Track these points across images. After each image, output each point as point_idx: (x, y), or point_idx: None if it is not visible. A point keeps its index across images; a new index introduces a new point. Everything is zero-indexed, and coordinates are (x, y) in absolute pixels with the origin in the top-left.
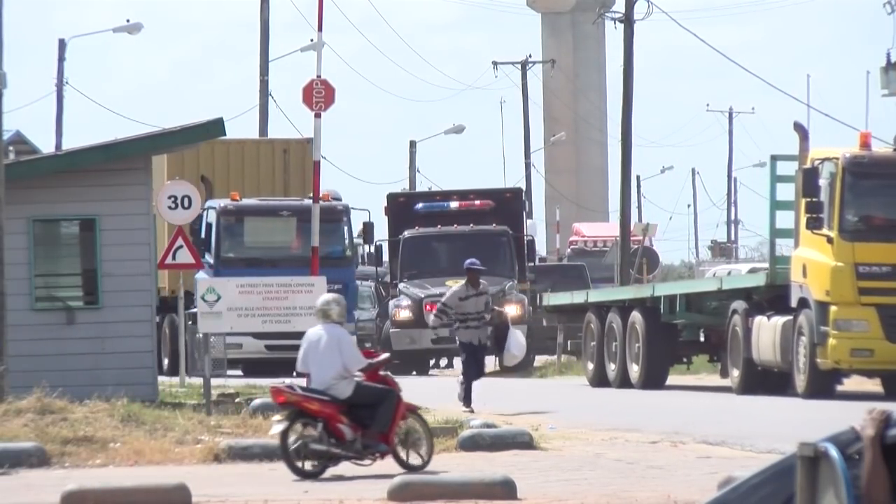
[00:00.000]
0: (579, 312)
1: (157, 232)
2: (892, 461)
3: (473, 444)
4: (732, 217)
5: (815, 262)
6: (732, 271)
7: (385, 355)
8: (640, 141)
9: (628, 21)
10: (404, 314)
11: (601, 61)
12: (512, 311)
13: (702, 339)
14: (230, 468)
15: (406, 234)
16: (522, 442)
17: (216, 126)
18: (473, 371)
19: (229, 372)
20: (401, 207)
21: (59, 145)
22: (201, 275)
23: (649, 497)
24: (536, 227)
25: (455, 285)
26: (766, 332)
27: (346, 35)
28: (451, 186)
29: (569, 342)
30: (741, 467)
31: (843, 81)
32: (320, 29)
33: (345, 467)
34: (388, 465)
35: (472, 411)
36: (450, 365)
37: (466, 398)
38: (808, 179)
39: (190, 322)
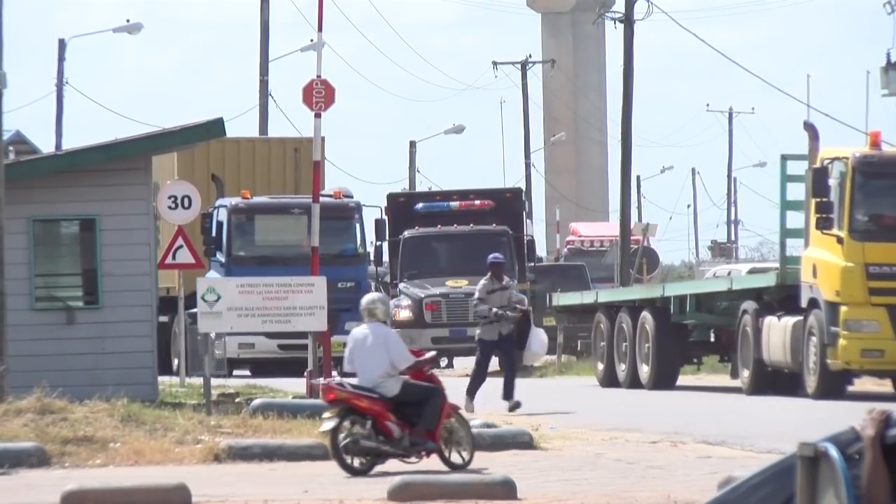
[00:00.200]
0: (589, 312)
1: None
2: (893, 461)
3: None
4: (732, 217)
5: (825, 262)
6: (732, 271)
7: (431, 353)
8: (640, 141)
9: (628, 21)
10: (404, 314)
11: (601, 61)
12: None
13: (712, 339)
14: (230, 468)
15: (406, 234)
16: (522, 442)
17: (216, 126)
18: (485, 369)
19: (237, 372)
20: (401, 207)
21: (59, 145)
22: (212, 274)
23: (649, 497)
24: (532, 227)
25: (482, 280)
26: (777, 332)
27: (346, 35)
28: (451, 186)
29: (578, 342)
30: (741, 467)
31: (843, 81)
32: (320, 29)
33: (387, 465)
34: (431, 462)
35: (516, 405)
36: (450, 365)
37: (470, 393)
38: (818, 179)
39: (190, 322)
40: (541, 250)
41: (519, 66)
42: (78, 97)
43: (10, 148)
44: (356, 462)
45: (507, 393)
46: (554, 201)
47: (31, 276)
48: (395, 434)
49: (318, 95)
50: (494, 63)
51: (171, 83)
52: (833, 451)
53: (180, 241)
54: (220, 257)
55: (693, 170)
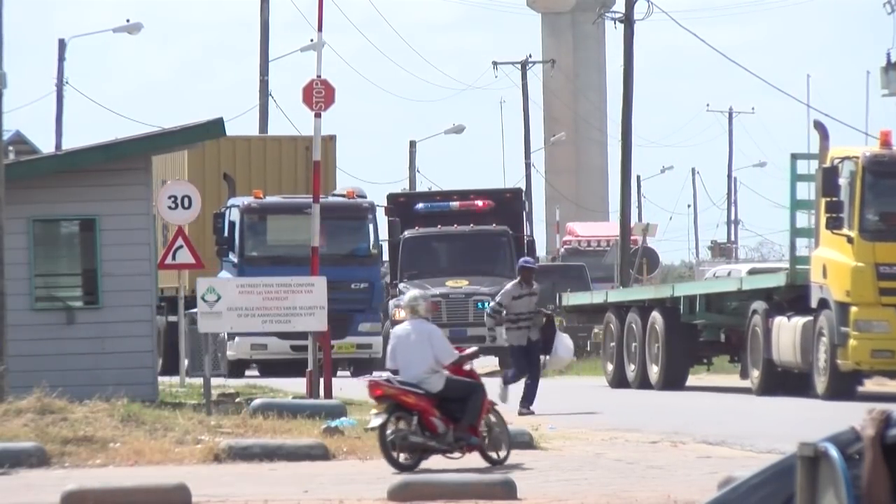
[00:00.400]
0: (597, 313)
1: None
2: (893, 461)
3: None
4: (732, 217)
5: (835, 262)
6: (732, 271)
7: (473, 349)
8: (640, 141)
9: (628, 21)
10: (404, 314)
11: (601, 61)
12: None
13: (722, 339)
14: (230, 468)
15: (406, 234)
16: (522, 442)
17: (216, 126)
18: (525, 367)
19: (248, 373)
20: (401, 207)
21: (59, 145)
22: (224, 274)
23: (649, 497)
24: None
25: (508, 284)
26: (786, 332)
27: (346, 35)
28: (451, 186)
29: (588, 342)
30: (741, 467)
31: (843, 81)
32: (320, 29)
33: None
34: (471, 459)
35: (532, 412)
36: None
37: (530, 399)
38: (829, 179)
39: (190, 322)
40: (541, 250)
41: (519, 66)
42: (78, 97)
43: (10, 148)
44: (402, 458)
45: (528, 397)
46: (554, 201)
47: (31, 276)
48: (440, 430)
49: (318, 95)
50: (494, 63)
51: (171, 83)
52: (833, 451)
53: (180, 241)
54: (233, 258)
55: (693, 170)
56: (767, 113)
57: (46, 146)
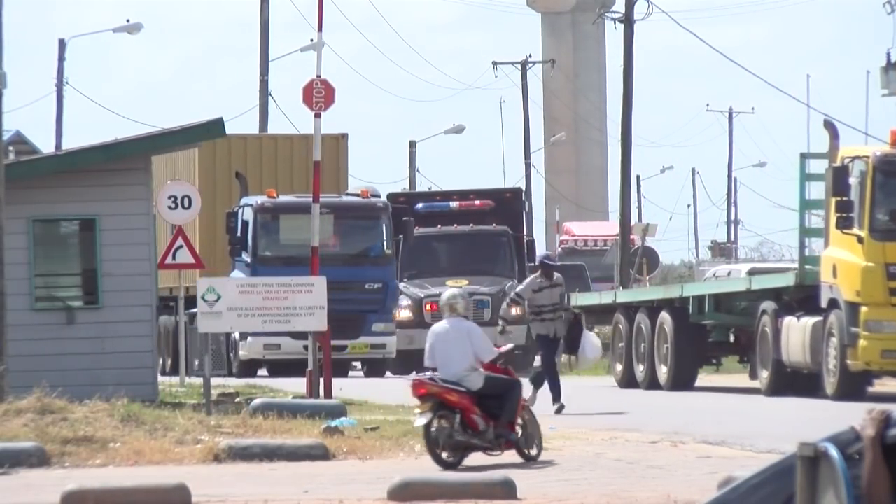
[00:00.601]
0: (606, 313)
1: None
2: (893, 461)
3: None
4: (732, 217)
5: (845, 262)
6: (732, 271)
7: (510, 346)
8: (640, 141)
9: (628, 21)
10: (404, 314)
11: (601, 61)
12: (512, 311)
13: (731, 339)
14: (230, 468)
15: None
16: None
17: (216, 126)
18: (552, 360)
19: (260, 372)
20: (401, 207)
21: (59, 145)
22: (237, 274)
23: (649, 497)
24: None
25: (529, 276)
26: (796, 332)
27: (346, 35)
28: (451, 186)
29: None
30: (741, 467)
31: (843, 81)
32: (320, 29)
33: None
34: (508, 455)
35: (562, 406)
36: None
37: (555, 395)
38: (839, 178)
39: (190, 322)
40: (541, 250)
41: (519, 66)
42: (78, 97)
43: (10, 148)
44: (445, 456)
45: (536, 387)
46: (554, 201)
47: (31, 276)
48: (481, 427)
49: (318, 95)
50: (494, 63)
51: (171, 83)
52: (833, 451)
53: (180, 241)
54: (246, 257)
55: (693, 170)
56: (767, 113)
57: (46, 146)
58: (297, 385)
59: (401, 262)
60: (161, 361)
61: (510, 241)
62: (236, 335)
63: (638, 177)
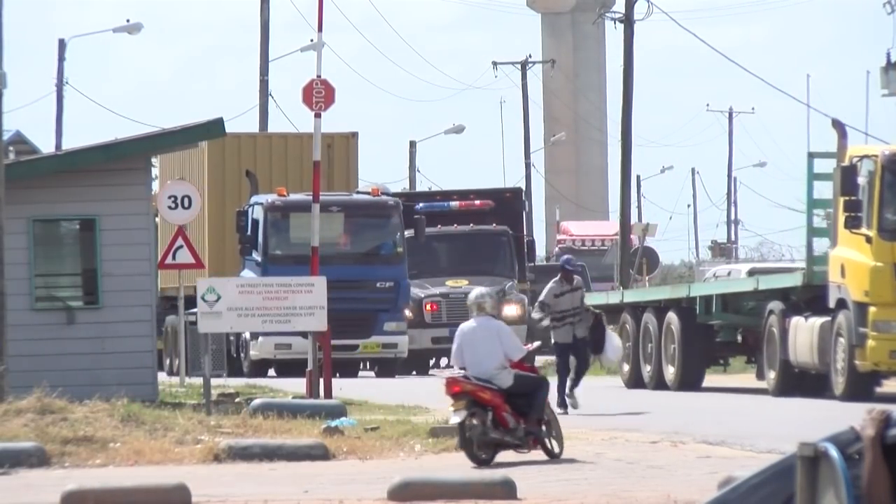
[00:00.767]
0: (613, 313)
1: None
2: (893, 461)
3: None
4: (732, 217)
5: (853, 261)
6: (732, 271)
7: (536, 343)
8: (640, 141)
9: (628, 21)
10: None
11: (601, 61)
12: (512, 311)
13: (739, 340)
14: (230, 468)
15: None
16: None
17: (216, 126)
18: (566, 368)
19: (271, 372)
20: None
21: (59, 145)
22: (247, 273)
23: (649, 497)
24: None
25: (550, 282)
26: (804, 333)
27: (346, 35)
28: (451, 186)
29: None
30: (741, 467)
31: (843, 81)
32: (320, 29)
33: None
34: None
35: (573, 406)
36: (450, 365)
37: (560, 399)
38: (847, 177)
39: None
40: (541, 250)
41: (519, 66)
42: (78, 97)
43: (10, 148)
44: (479, 453)
45: (570, 390)
46: (554, 201)
47: (31, 276)
48: (511, 425)
49: (318, 95)
50: (494, 63)
51: (171, 83)
52: (833, 451)
53: (180, 241)
54: (256, 256)
55: (693, 170)
56: (767, 113)
57: (46, 146)
58: (298, 385)
59: None
60: (168, 361)
61: (510, 241)
62: (247, 335)
63: (638, 177)
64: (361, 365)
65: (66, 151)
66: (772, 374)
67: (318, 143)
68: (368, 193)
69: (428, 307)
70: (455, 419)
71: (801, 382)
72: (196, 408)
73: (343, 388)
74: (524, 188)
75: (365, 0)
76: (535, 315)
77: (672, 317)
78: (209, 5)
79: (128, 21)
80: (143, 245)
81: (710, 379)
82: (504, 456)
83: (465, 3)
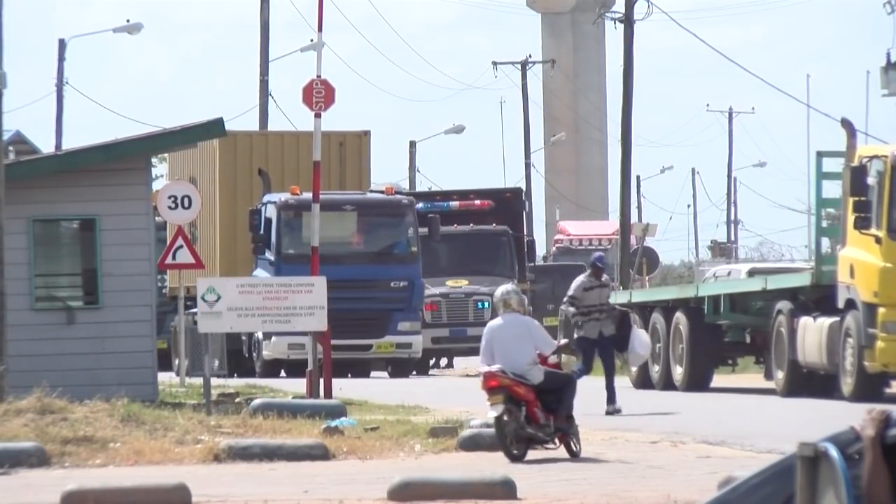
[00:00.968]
0: None
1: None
2: (893, 461)
3: (473, 443)
4: (732, 217)
5: (862, 262)
6: (732, 271)
7: (565, 341)
8: (640, 141)
9: (628, 21)
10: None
11: (601, 61)
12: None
13: (747, 340)
14: (230, 468)
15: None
16: None
17: (216, 126)
18: (592, 362)
19: (283, 373)
20: None
21: (59, 145)
22: (260, 272)
23: (649, 497)
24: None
25: (579, 276)
26: (812, 333)
27: (346, 35)
28: (451, 186)
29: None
30: (741, 467)
31: (843, 81)
32: (320, 29)
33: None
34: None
35: (617, 410)
36: (450, 365)
37: (611, 398)
38: (857, 177)
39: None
40: (541, 250)
41: (519, 66)
42: (78, 97)
43: (10, 148)
44: (513, 449)
45: (610, 397)
46: (554, 201)
47: (31, 276)
48: (542, 420)
49: (318, 95)
50: (494, 63)
51: (171, 83)
52: (833, 451)
53: (180, 241)
54: (269, 255)
55: (693, 170)
56: (767, 113)
57: (46, 146)
58: (298, 385)
59: None
60: (177, 362)
61: (510, 241)
62: (259, 335)
63: (638, 177)
64: (376, 366)
65: (66, 151)
66: (780, 375)
67: (318, 143)
68: (382, 192)
69: (428, 307)
70: (492, 413)
71: (810, 383)
72: (196, 408)
73: (343, 387)
74: (524, 188)
75: (365, 0)
76: (564, 307)
77: (680, 317)
78: (209, 5)
79: (128, 21)
80: (143, 245)
81: (719, 379)
82: (533, 453)
83: (465, 3)
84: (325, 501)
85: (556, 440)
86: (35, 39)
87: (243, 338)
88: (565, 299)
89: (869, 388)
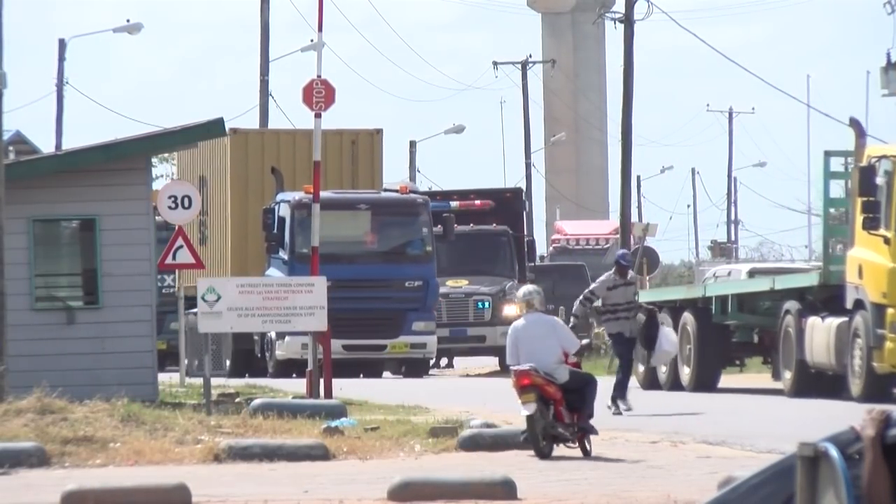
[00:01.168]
0: None
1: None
2: (893, 461)
3: (473, 443)
4: (732, 217)
5: (871, 263)
6: (732, 271)
7: (586, 341)
8: (640, 141)
9: (628, 21)
10: (519, 309)
11: (601, 61)
12: (512, 311)
13: (755, 340)
14: (230, 468)
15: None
16: (522, 441)
17: (216, 126)
18: (630, 358)
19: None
20: None
21: (59, 145)
22: (273, 271)
23: (649, 497)
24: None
25: (603, 275)
26: (820, 333)
27: (346, 35)
28: (451, 186)
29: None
30: (741, 467)
31: (843, 81)
32: (320, 29)
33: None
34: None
35: (628, 408)
36: (450, 365)
37: (620, 393)
38: (865, 178)
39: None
40: (541, 250)
41: (519, 66)
42: (78, 97)
43: (10, 148)
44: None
45: (619, 394)
46: (554, 201)
47: (31, 276)
48: (567, 419)
49: (319, 95)
50: (494, 63)
51: (171, 83)
52: (833, 451)
53: (180, 241)
54: (283, 255)
55: (693, 170)
56: (767, 113)
57: (46, 146)
58: (298, 385)
59: None
60: (186, 362)
61: (510, 241)
62: (272, 335)
63: (638, 177)
64: (389, 367)
65: (66, 151)
66: (788, 375)
67: (318, 143)
68: (396, 191)
69: None
70: (525, 412)
71: (818, 383)
72: (196, 408)
73: (343, 387)
74: (524, 188)
75: (365, 0)
76: (576, 309)
77: (688, 317)
78: (209, 5)
79: (128, 21)
80: (143, 245)
81: (726, 379)
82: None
83: (465, 3)
84: (325, 501)
85: (580, 438)
86: (35, 39)
87: (255, 337)
88: (584, 293)
89: (878, 388)
